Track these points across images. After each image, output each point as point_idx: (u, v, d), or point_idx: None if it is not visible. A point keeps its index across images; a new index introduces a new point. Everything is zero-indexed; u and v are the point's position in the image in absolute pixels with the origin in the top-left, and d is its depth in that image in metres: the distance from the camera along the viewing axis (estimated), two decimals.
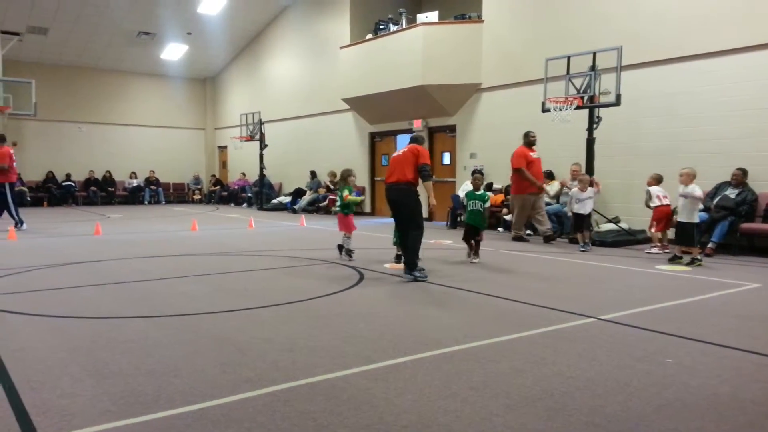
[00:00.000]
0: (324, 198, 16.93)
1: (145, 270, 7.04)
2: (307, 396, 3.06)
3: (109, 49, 20.69)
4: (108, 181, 22.07)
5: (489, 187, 12.91)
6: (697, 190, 7.54)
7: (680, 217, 7.69)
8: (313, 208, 17.02)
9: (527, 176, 10.24)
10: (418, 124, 14.77)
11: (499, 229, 12.12)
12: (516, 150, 10.58)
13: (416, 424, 2.71)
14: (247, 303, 5.27)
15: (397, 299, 5.55)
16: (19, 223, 11.56)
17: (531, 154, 10.47)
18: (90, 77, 22.01)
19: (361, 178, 16.68)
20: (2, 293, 5.56)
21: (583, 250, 9.05)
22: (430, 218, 14.56)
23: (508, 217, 11.84)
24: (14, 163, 11.79)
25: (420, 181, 6.65)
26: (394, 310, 5.07)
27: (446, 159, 14.60)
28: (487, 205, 7.95)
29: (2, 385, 3.16)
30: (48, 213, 17.18)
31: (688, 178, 7.56)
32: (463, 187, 13.11)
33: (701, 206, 7.91)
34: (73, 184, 21.26)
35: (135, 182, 22.44)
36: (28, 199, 19.62)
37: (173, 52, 21.57)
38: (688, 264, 7.65)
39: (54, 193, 20.65)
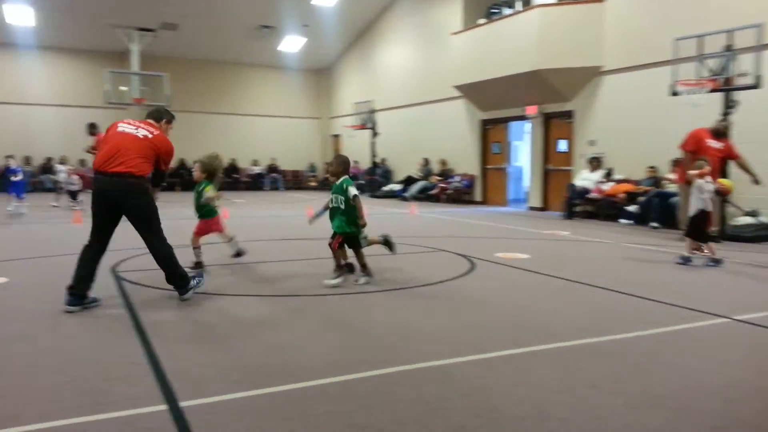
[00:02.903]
0: (434, 186, 16.94)
1: (268, 251, 7.44)
2: (419, 380, 3.11)
3: (232, 43, 21.90)
4: (233, 168, 23.51)
5: (608, 174, 12.29)
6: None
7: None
8: (423, 195, 17.09)
9: (686, 162, 8.61)
10: (532, 110, 14.34)
11: (621, 220, 11.49)
12: (693, 130, 8.95)
13: (532, 416, 2.67)
14: (361, 287, 5.41)
15: (511, 290, 5.47)
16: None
17: (710, 141, 8.59)
18: (216, 70, 23.45)
19: (472, 166, 16.53)
20: (134, 270, 6.06)
21: (680, 263, 6.77)
22: (545, 207, 14.15)
23: (631, 209, 11.18)
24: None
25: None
26: (508, 301, 5.00)
27: (562, 146, 14.05)
28: (353, 193, 5.33)
29: (147, 353, 3.50)
30: (180, 197, 18.60)
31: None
32: (580, 176, 12.60)
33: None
34: None
35: (256, 169, 23.72)
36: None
37: (291, 44, 22.44)
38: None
39: (186, 178, 22.32)
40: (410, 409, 2.74)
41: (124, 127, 4.60)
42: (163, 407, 2.73)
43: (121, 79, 18.50)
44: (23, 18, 18.02)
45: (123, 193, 4.43)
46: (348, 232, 5.41)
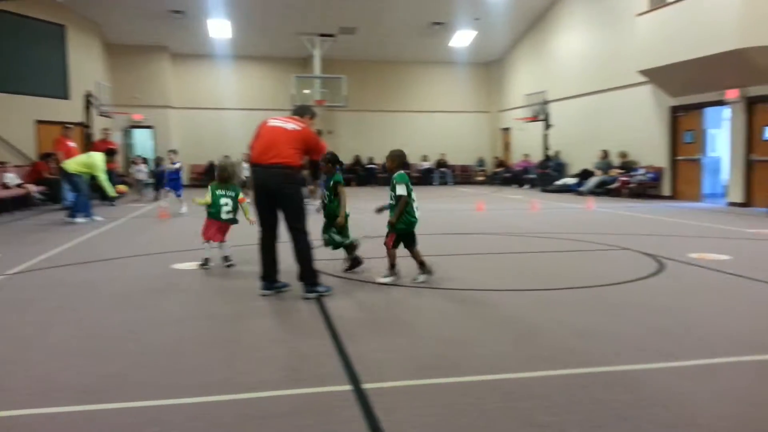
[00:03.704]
0: (614, 180, 15.88)
1: (441, 245, 7.49)
2: (605, 384, 2.93)
3: (405, 42, 22.45)
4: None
5: None
6: None
7: None
8: (601, 190, 16.10)
9: None
10: (733, 94, 12.77)
11: None
12: None
13: None
14: (534, 284, 5.25)
15: (707, 293, 4.93)
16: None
17: None
18: (389, 69, 24.23)
19: (659, 157, 15.19)
20: (319, 259, 6.46)
21: None
22: (748, 203, 12.56)
23: None
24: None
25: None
26: (704, 305, 4.51)
27: None
28: (399, 192, 5.25)
29: (331, 336, 3.73)
30: (355, 192, 19.58)
31: None
32: None
33: None
34: (375, 166, 23.83)
35: (426, 165, 24.14)
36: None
37: (461, 38, 22.42)
38: None
39: (360, 174, 23.44)
40: (596, 412, 2.60)
41: (274, 123, 4.91)
42: (347, 387, 2.89)
43: (303, 82, 19.94)
44: (223, 31, 20.21)
45: (279, 183, 4.69)
46: (404, 228, 5.29)
